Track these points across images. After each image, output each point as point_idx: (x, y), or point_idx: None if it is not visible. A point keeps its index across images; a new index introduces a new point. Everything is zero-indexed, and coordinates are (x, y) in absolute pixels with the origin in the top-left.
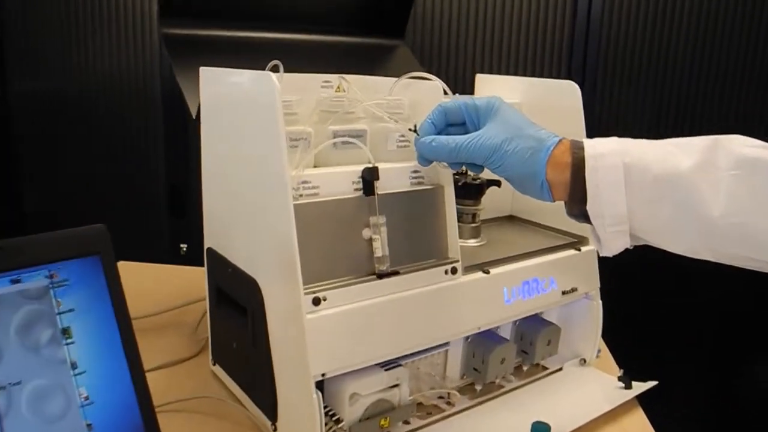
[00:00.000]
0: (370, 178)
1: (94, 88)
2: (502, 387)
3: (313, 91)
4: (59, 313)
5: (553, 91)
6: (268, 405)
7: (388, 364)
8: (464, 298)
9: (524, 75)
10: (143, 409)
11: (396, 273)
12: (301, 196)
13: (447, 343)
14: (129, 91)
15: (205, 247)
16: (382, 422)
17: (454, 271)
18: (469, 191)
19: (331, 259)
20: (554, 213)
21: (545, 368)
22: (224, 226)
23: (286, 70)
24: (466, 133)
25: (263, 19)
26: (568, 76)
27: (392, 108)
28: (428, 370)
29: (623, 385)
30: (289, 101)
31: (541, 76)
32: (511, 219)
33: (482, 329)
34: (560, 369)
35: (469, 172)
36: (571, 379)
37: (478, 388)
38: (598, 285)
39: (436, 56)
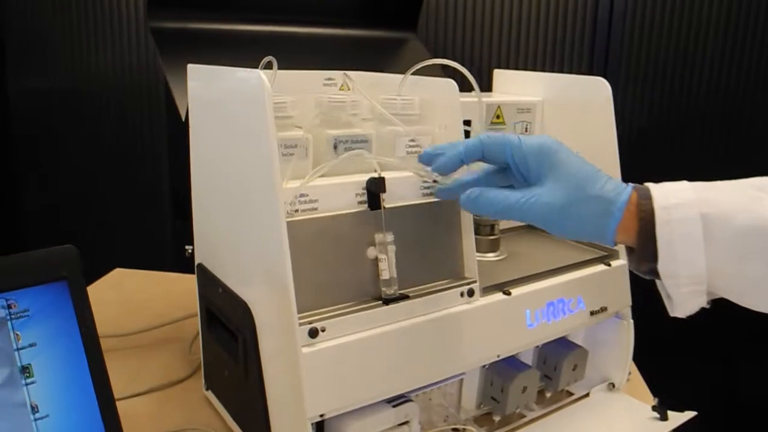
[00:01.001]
0: (375, 190)
1: (97, 87)
2: (524, 417)
3: (314, 90)
4: (18, 349)
5: (580, 88)
6: None
7: (396, 399)
8: (482, 323)
9: (542, 70)
10: None
11: (405, 297)
12: (296, 211)
13: (462, 372)
14: (132, 90)
15: (196, 263)
16: None
17: (471, 293)
18: None
19: (331, 284)
20: None
21: (570, 394)
22: (214, 239)
23: (286, 67)
24: (502, 173)
25: (262, 11)
26: (589, 72)
27: (401, 109)
28: (441, 401)
29: (658, 415)
30: (283, 103)
31: (560, 71)
32: (531, 228)
33: (502, 357)
34: (587, 395)
35: None
36: (599, 407)
37: (497, 419)
38: (630, 303)
39: (450, 50)
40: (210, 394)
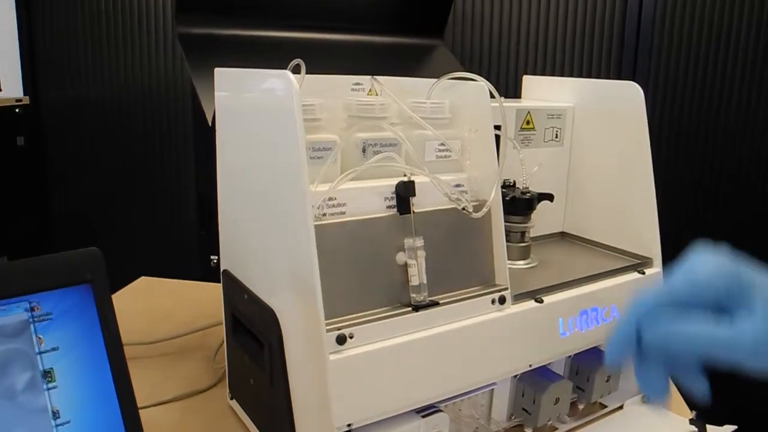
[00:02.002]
0: (405, 193)
1: (125, 95)
2: (556, 429)
3: (342, 94)
4: (40, 353)
5: (612, 94)
6: None
7: (426, 410)
8: (514, 331)
9: (569, 76)
10: None
11: (435, 304)
12: (324, 215)
13: (493, 382)
14: (160, 99)
15: (222, 269)
16: None
17: (502, 300)
18: (518, 207)
19: (360, 289)
20: (612, 231)
21: (603, 406)
22: (240, 246)
23: (313, 72)
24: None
25: (289, 18)
26: (618, 77)
27: (431, 113)
28: (471, 411)
29: (696, 429)
30: (311, 105)
31: (588, 77)
32: (563, 236)
33: (534, 367)
34: (621, 407)
35: (518, 185)
36: (634, 420)
37: (528, 430)
38: None
39: (477, 57)
40: (234, 404)
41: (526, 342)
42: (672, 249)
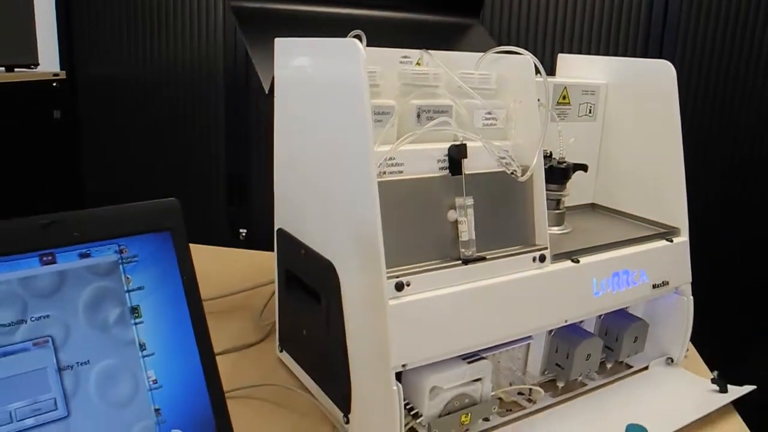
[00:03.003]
0: (457, 156)
1: (157, 75)
2: (585, 385)
3: (392, 65)
4: (128, 291)
5: (644, 72)
6: (341, 396)
7: (471, 357)
8: (552, 288)
9: (604, 54)
10: (213, 395)
11: (482, 259)
12: (384, 173)
13: (529, 336)
14: (191, 80)
15: (275, 228)
16: (464, 418)
17: (542, 258)
18: (555, 175)
19: (415, 242)
20: (641, 202)
21: (629, 366)
22: (297, 205)
23: None
24: None
25: None
26: (645, 54)
27: (479, 83)
28: (508, 364)
29: (717, 388)
30: (372, 72)
31: (620, 55)
32: (593, 207)
33: (569, 322)
34: (646, 368)
35: (554, 155)
36: (659, 380)
37: (560, 385)
38: (690, 279)
39: (514, 36)
40: (284, 355)
41: (562, 299)
42: (699, 220)
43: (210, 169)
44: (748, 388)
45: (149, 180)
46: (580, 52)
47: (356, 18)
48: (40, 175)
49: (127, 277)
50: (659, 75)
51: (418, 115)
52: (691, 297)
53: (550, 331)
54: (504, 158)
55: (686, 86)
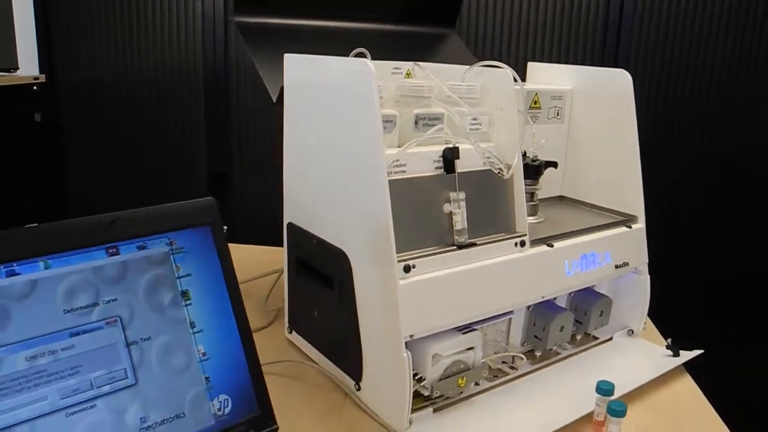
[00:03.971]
0: (451, 157)
1: (137, 77)
2: (559, 354)
3: (384, 77)
4: (178, 277)
5: (604, 80)
6: (353, 366)
7: (464, 329)
8: (531, 269)
9: (570, 63)
10: (251, 365)
11: (473, 244)
12: (390, 173)
13: (511, 312)
14: (172, 82)
15: (285, 222)
16: (460, 381)
17: (522, 243)
18: (529, 171)
19: (417, 231)
20: (603, 193)
21: (596, 338)
22: (308, 201)
23: None
24: None
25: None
26: (602, 62)
27: (466, 93)
28: (494, 336)
29: (671, 353)
30: (378, 86)
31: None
32: (561, 199)
33: (545, 298)
34: (610, 339)
35: (528, 154)
36: (621, 348)
37: (538, 353)
38: (647, 260)
39: (488, 44)
40: (294, 336)
41: (539, 278)
42: (653, 210)
43: (192, 168)
44: (696, 352)
45: (131, 179)
46: (545, 59)
47: (328, 30)
48: (23, 176)
49: (177, 266)
50: (618, 82)
51: (416, 122)
52: (648, 275)
53: (529, 306)
54: (490, 158)
55: (639, 91)
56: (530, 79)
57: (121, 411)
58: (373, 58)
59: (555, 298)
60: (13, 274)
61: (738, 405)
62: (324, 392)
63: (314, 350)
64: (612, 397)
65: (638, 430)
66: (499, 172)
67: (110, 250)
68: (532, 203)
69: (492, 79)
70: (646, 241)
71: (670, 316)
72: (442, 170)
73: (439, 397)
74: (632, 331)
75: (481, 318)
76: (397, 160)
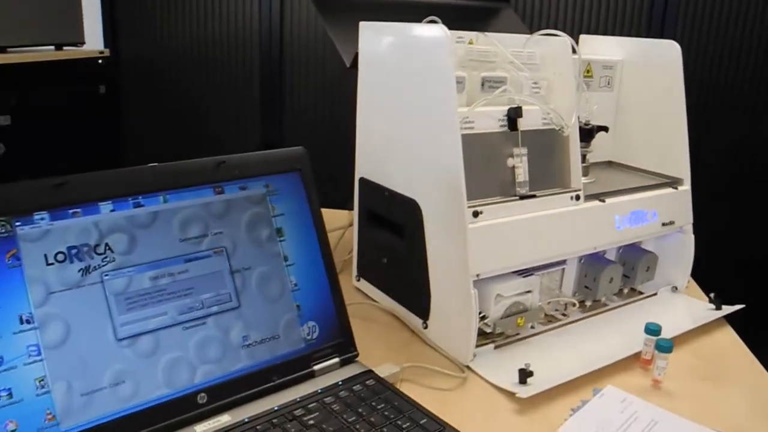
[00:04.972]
0: (514, 116)
1: (195, 51)
2: (606, 305)
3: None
4: (274, 216)
5: (654, 51)
6: (421, 306)
7: (523, 273)
8: (584, 221)
9: (611, 31)
10: (335, 297)
11: (533, 196)
12: (460, 129)
13: (564, 262)
14: (228, 54)
15: (357, 177)
16: (519, 321)
17: (577, 197)
18: (582, 134)
19: (484, 182)
20: (650, 158)
21: (641, 293)
22: (380, 157)
23: None
24: None
25: None
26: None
27: (527, 59)
28: (549, 284)
29: (713, 306)
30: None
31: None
32: (610, 164)
33: (597, 250)
34: (655, 294)
35: (581, 119)
36: (666, 302)
37: (588, 303)
38: (691, 220)
39: (539, 18)
40: (362, 283)
41: (592, 230)
42: (699, 172)
43: (246, 140)
44: (738, 306)
45: (186, 151)
46: (593, 32)
47: (397, 4)
48: (86, 145)
49: (272, 206)
50: (666, 54)
51: (483, 84)
52: (692, 235)
53: (581, 258)
54: (550, 116)
55: (685, 60)
56: (582, 50)
57: (227, 329)
58: None
59: (605, 252)
60: (138, 205)
61: None
62: (393, 331)
63: (382, 294)
64: (659, 337)
65: (683, 371)
66: (559, 129)
67: (216, 189)
68: (584, 165)
69: (551, 47)
70: (691, 202)
71: (714, 274)
72: (507, 128)
73: (499, 335)
74: (676, 288)
75: (539, 264)
76: (467, 118)
